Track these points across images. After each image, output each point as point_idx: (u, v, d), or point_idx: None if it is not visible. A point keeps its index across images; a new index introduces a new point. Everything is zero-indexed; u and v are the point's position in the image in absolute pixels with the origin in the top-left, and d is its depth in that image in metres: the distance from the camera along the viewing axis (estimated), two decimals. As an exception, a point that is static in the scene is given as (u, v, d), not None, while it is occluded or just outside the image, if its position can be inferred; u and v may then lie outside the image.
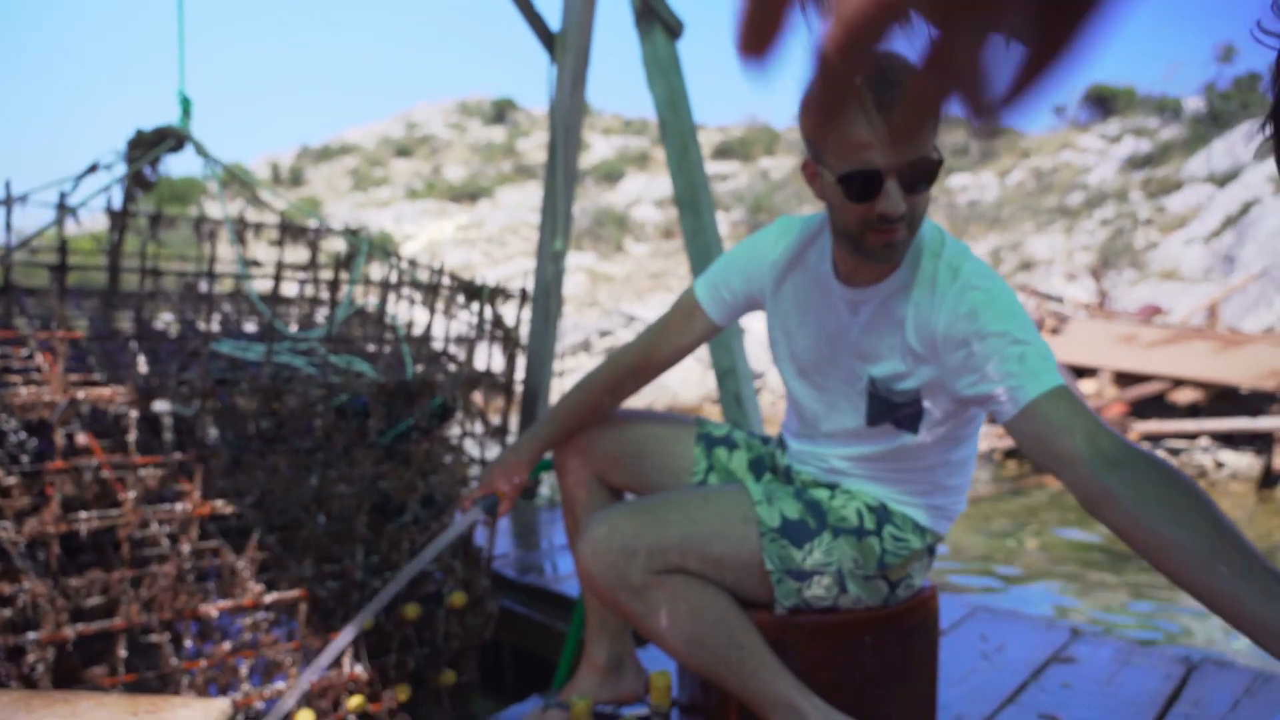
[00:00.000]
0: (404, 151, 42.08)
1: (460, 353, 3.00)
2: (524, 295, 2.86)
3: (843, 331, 1.88)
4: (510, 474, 2.18)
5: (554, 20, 4.60)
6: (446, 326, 3.04)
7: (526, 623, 3.38)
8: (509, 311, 4.10)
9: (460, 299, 2.92)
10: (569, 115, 4.51)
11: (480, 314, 2.80)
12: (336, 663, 2.57)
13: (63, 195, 2.88)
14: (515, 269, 24.83)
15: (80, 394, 2.21)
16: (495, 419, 2.94)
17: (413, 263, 3.04)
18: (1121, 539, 1.48)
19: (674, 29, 4.38)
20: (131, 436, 2.33)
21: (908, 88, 0.44)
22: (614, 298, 21.73)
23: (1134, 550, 1.46)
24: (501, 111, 45.67)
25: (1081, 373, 11.74)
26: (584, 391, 2.15)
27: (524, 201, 32.45)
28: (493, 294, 2.77)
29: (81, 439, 2.51)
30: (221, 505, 2.45)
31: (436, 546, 2.25)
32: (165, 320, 3.57)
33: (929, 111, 0.40)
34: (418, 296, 3.15)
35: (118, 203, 3.14)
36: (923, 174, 1.64)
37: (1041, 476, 10.09)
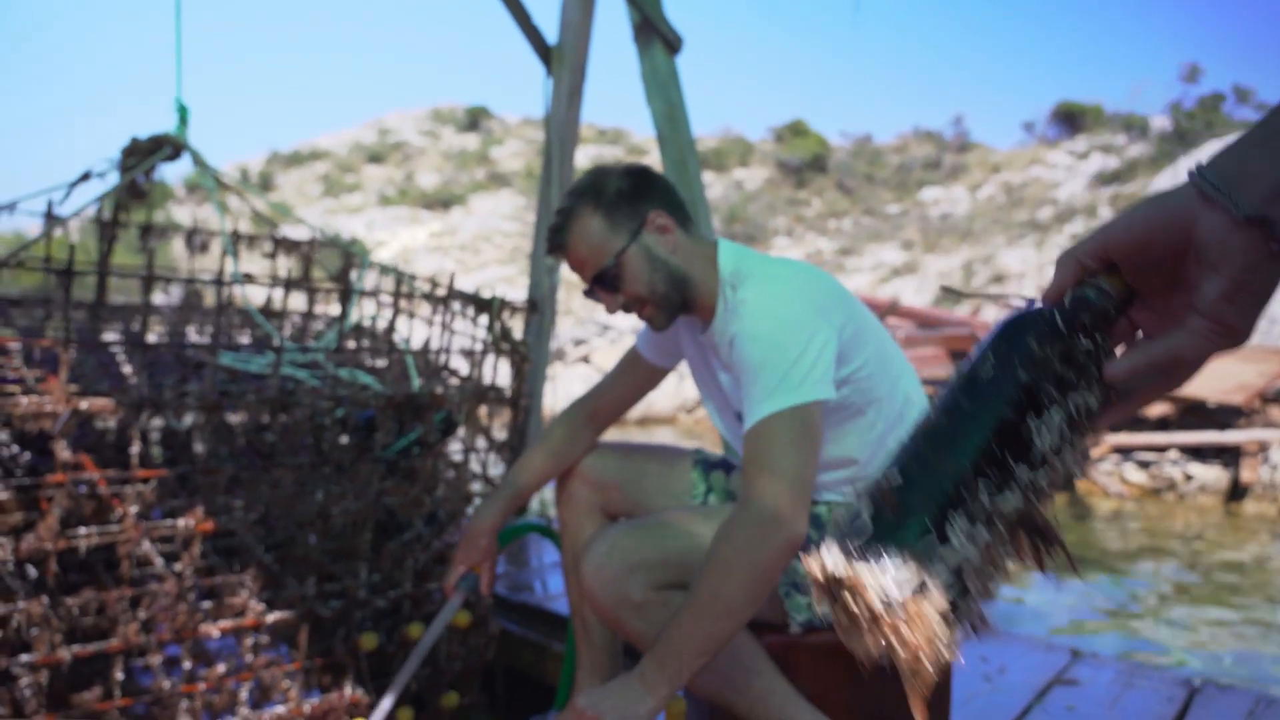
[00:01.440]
0: (376, 158, 41.89)
1: (463, 366, 2.95)
2: (533, 307, 2.82)
3: (711, 372, 2.05)
4: (479, 545, 2.18)
5: (550, 32, 4.56)
6: (448, 339, 2.99)
7: (520, 642, 3.33)
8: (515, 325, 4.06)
9: (469, 312, 2.87)
10: (564, 128, 4.48)
11: (491, 328, 2.76)
12: (337, 685, 2.52)
13: (51, 204, 2.81)
14: (489, 276, 24.75)
15: (83, 404, 2.14)
16: (500, 434, 2.89)
17: (413, 276, 2.98)
18: None
19: (673, 44, 4.36)
20: (135, 449, 2.26)
21: None
22: (588, 307, 21.67)
23: None
24: (475, 119, 45.58)
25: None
26: (544, 447, 2.22)
27: (497, 209, 32.40)
28: (501, 307, 2.72)
29: (71, 453, 2.44)
30: (225, 521, 2.39)
31: (430, 639, 2.23)
32: (157, 333, 3.50)
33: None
34: (417, 309, 3.10)
35: (107, 212, 3.07)
36: (604, 282, 1.93)
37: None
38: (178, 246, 3.45)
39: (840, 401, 1.85)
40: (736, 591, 1.66)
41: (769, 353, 1.74)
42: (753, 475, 1.71)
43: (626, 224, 1.92)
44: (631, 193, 1.93)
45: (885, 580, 0.61)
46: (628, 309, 1.95)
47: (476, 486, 2.87)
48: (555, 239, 1.96)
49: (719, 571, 1.66)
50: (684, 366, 2.19)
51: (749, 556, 1.66)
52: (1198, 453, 10.30)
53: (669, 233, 1.94)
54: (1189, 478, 9.98)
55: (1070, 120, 32.66)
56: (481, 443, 2.88)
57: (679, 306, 1.95)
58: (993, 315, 16.34)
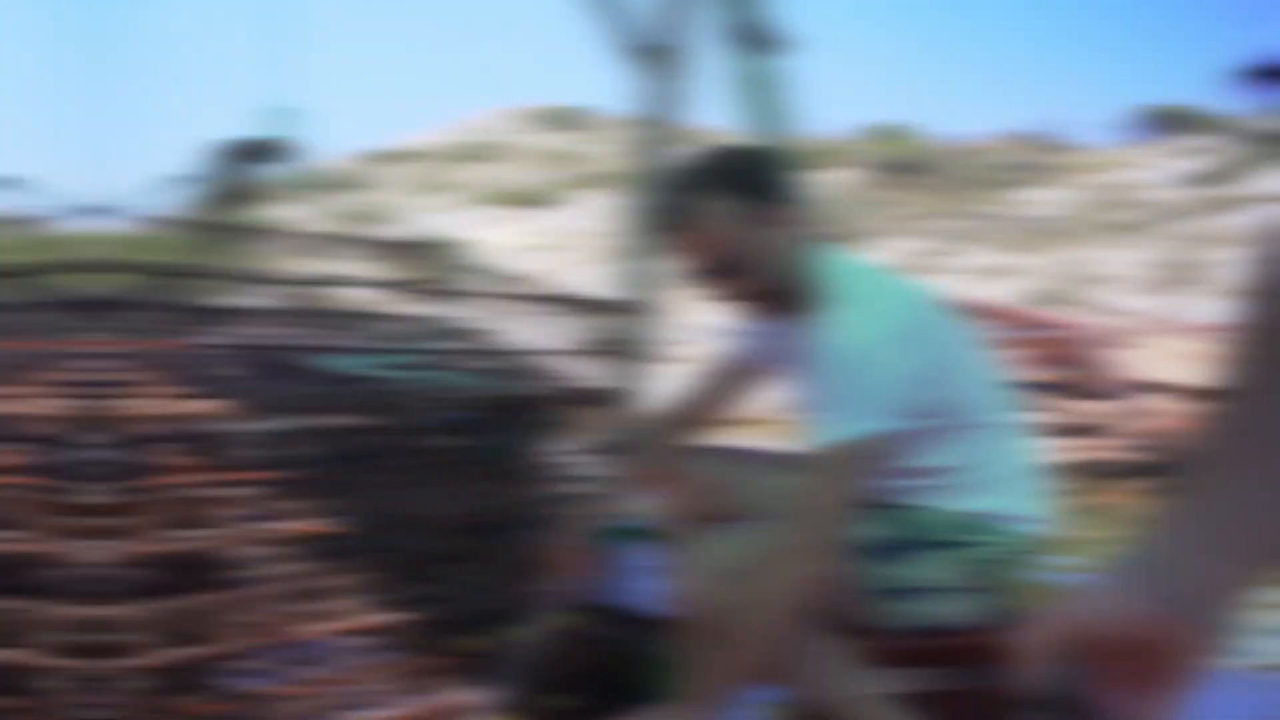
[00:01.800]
0: (471, 157, 42.28)
1: (564, 367, 2.95)
2: (633, 307, 2.81)
3: (803, 373, 2.00)
4: (663, 465, 2.25)
5: (647, 31, 4.53)
6: (549, 340, 2.99)
7: (616, 645, 3.30)
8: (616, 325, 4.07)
9: (570, 312, 2.87)
10: (659, 128, 4.43)
11: (593, 328, 2.75)
12: (442, 689, 2.51)
13: (152, 206, 2.85)
14: (581, 276, 24.86)
15: (191, 406, 2.15)
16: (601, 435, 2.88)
17: (513, 276, 2.98)
18: None
19: (772, 44, 4.30)
20: (239, 452, 2.28)
21: None
22: (683, 306, 21.71)
23: None
24: (570, 118, 45.80)
25: (1151, 388, 11.58)
26: (698, 389, 2.33)
27: (590, 208, 32.58)
28: (604, 307, 2.72)
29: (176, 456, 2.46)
30: (327, 524, 2.40)
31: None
32: (260, 335, 3.53)
33: None
34: (518, 309, 3.10)
35: (210, 212, 3.11)
36: (723, 270, 1.91)
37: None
38: (277, 247, 3.48)
39: (929, 422, 1.86)
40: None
41: (844, 379, 1.77)
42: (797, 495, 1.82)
43: (755, 212, 1.90)
44: (762, 180, 1.94)
45: None
46: (736, 298, 1.97)
47: (578, 488, 2.86)
48: (677, 217, 1.94)
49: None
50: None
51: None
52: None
53: (791, 229, 1.93)
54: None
55: (1164, 122, 32.21)
56: (582, 444, 2.87)
57: (786, 304, 1.94)
58: (1091, 319, 16.04)
